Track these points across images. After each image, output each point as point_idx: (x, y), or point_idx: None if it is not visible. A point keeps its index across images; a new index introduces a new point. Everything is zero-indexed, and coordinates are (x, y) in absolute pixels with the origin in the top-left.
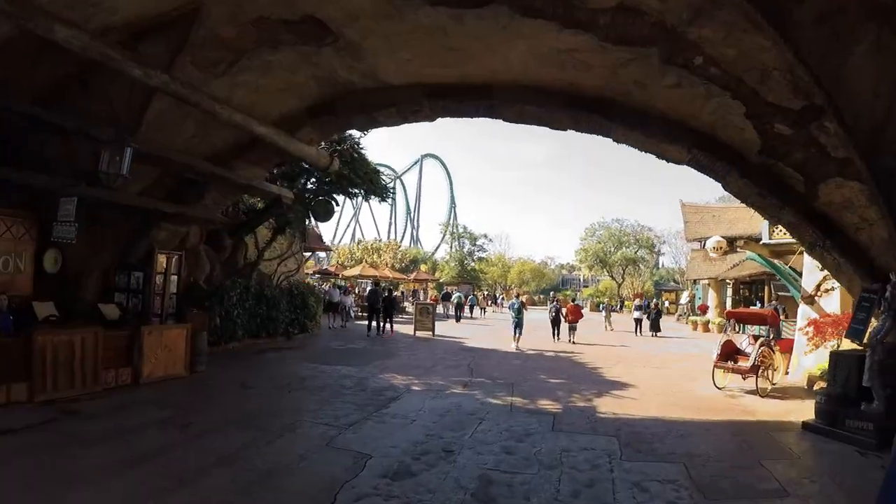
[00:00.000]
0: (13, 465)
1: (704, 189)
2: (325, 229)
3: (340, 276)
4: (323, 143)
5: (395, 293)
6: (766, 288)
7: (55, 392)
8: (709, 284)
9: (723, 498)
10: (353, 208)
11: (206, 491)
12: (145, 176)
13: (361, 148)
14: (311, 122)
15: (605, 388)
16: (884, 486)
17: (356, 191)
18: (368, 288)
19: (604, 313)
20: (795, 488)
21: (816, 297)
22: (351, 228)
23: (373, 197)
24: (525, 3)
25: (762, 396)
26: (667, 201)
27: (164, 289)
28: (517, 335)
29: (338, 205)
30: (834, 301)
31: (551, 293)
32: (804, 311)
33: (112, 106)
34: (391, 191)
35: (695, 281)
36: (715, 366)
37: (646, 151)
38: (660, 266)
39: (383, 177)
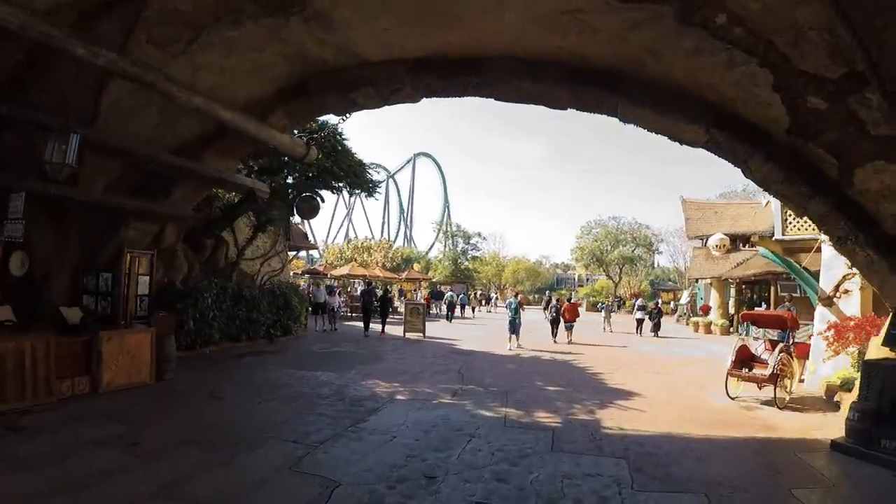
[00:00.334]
0: None
1: (701, 187)
2: (318, 229)
3: (329, 275)
4: (299, 134)
5: (390, 293)
6: (772, 288)
7: (4, 404)
8: (711, 284)
9: None
10: (346, 207)
11: None
12: (109, 171)
13: (344, 138)
14: (281, 106)
15: (609, 397)
16: None
17: (339, 185)
18: (360, 288)
19: (603, 314)
20: None
21: (835, 299)
22: (344, 228)
23: (359, 192)
24: None
25: (780, 408)
26: (664, 199)
27: (128, 291)
28: (514, 336)
29: (323, 201)
30: (853, 302)
31: (546, 292)
32: (822, 314)
33: (65, 94)
34: (377, 185)
35: (697, 280)
36: (729, 373)
37: (657, 132)
38: (655, 265)
39: (369, 170)
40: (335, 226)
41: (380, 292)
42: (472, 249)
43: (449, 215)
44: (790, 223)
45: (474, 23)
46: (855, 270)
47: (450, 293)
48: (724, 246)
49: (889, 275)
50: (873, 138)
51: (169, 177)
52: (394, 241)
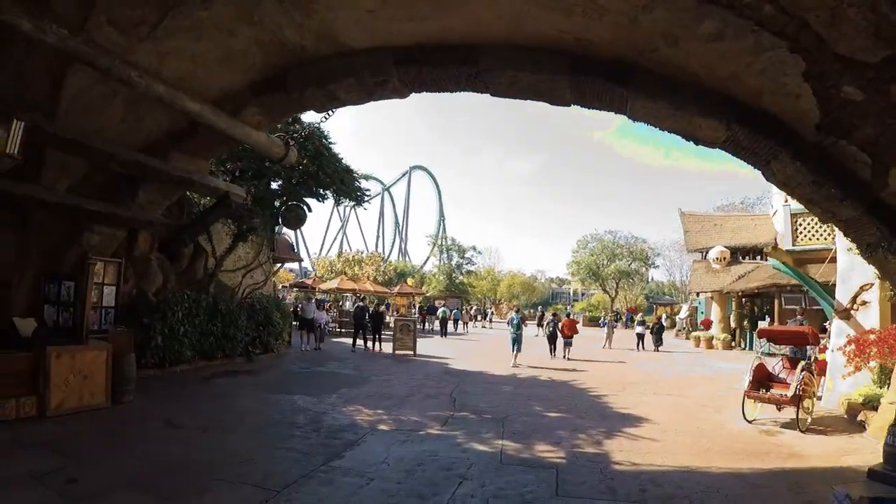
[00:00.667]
0: None
1: (699, 200)
2: (312, 241)
3: (318, 289)
4: (277, 133)
5: (382, 308)
6: (776, 301)
7: None
8: (712, 298)
9: None
10: (341, 220)
11: None
12: (74, 170)
13: (330, 142)
14: (256, 100)
15: (617, 424)
16: None
17: (325, 192)
18: (350, 303)
19: (606, 329)
20: None
21: (853, 311)
22: (338, 241)
23: (346, 201)
24: None
25: (802, 431)
26: (659, 212)
27: (86, 302)
28: (516, 352)
29: (310, 210)
30: (872, 315)
31: (539, 307)
32: (839, 327)
33: (23, 80)
34: (366, 194)
35: (697, 293)
36: (746, 395)
37: (670, 130)
38: (650, 280)
39: (357, 178)
40: (329, 239)
41: (372, 308)
42: (466, 263)
43: (444, 228)
44: (800, 232)
45: (469, 4)
46: (873, 281)
47: (443, 308)
48: (724, 259)
49: None
50: None
51: (134, 177)
52: (388, 255)
